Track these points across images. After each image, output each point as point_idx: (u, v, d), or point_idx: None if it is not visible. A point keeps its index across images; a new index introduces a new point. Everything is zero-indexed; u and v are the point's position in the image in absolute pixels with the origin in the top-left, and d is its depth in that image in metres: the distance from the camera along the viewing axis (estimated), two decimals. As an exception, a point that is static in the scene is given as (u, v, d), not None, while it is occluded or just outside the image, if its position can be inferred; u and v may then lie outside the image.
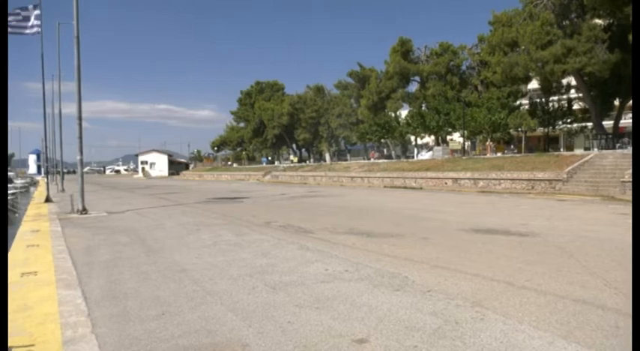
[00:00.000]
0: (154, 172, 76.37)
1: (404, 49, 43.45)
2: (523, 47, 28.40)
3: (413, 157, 44.30)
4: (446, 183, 25.50)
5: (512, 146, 40.80)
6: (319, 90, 60.97)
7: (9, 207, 24.80)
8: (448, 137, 44.65)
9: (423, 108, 42.95)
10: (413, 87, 46.49)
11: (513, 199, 17.22)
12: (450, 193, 20.98)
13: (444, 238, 8.13)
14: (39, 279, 5.50)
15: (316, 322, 3.82)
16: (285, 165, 57.00)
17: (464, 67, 43.06)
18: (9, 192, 30.75)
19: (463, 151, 37.71)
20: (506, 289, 4.74)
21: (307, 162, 60.73)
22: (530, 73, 29.86)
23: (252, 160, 74.44)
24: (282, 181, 41.35)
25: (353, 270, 5.71)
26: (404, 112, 46.24)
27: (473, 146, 44.17)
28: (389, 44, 45.07)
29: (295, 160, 65.16)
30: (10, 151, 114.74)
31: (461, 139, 40.27)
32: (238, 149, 77.89)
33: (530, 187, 20.90)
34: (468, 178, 24.28)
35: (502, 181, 22.47)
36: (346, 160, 54.03)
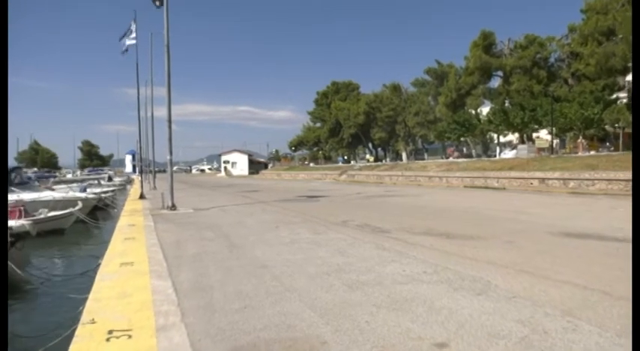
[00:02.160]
0: (235, 171, 79.76)
1: (486, 43, 41.64)
2: (621, 36, 26.04)
3: (495, 155, 42.30)
4: (531, 183, 24.05)
5: (607, 144, 37.56)
6: (396, 88, 60.18)
7: (109, 203, 27.20)
8: (534, 135, 42.08)
9: (506, 104, 40.86)
10: (495, 82, 44.42)
11: (608, 201, 15.84)
12: (536, 194, 19.77)
13: (530, 242, 7.68)
14: (135, 269, 5.97)
15: (394, 324, 3.78)
16: (361, 164, 56.95)
17: (552, 60, 40.39)
18: (109, 189, 33.72)
19: (551, 149, 35.32)
20: (601, 299, 4.38)
21: (383, 161, 60.23)
22: (629, 64, 27.34)
23: (328, 159, 75.23)
24: (358, 180, 41.35)
25: (431, 272, 5.58)
26: (485, 109, 44.30)
27: (562, 144, 41.26)
28: (469, 39, 43.33)
29: (371, 159, 64.86)
30: (109, 152, 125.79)
31: (548, 137, 37.78)
32: (315, 149, 79.13)
33: (628, 189, 19.10)
34: (557, 178, 22.72)
35: (596, 181, 20.76)
36: (423, 159, 52.80)
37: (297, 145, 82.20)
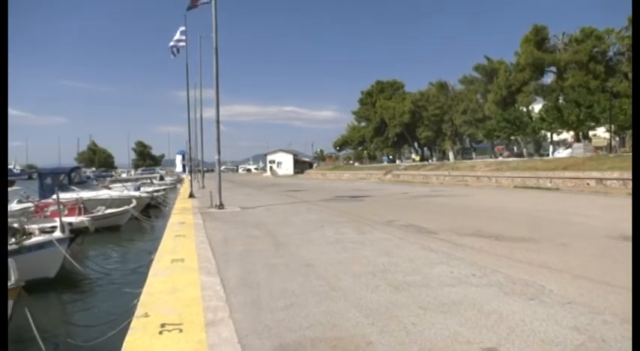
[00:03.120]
0: (280, 171, 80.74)
1: (538, 38, 40.05)
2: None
3: (547, 155, 40.59)
4: (588, 184, 22.89)
5: (673, 142, 35.13)
6: (442, 86, 58.94)
7: (160, 201, 28.25)
8: (590, 133, 40.01)
9: (560, 101, 39.08)
10: (548, 79, 42.63)
11: (675, 203, 14.81)
12: (593, 195, 18.81)
13: (587, 245, 7.31)
14: (185, 265, 6.17)
15: (441, 326, 3.71)
16: (406, 164, 56.22)
17: (610, 54, 38.26)
18: (161, 188, 35.00)
19: (610, 147, 33.47)
20: (667, 307, 4.10)
21: (429, 161, 59.18)
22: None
23: (373, 159, 74.78)
24: (404, 180, 40.84)
25: (480, 274, 5.43)
26: (537, 107, 42.56)
27: (621, 142, 39.03)
28: (519, 34, 41.76)
29: (417, 158, 63.93)
30: (160, 153, 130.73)
31: (606, 135, 35.83)
32: (359, 148, 78.90)
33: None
34: (616, 179, 21.49)
35: (660, 182, 19.46)
36: (471, 158, 51.45)
37: (342, 144, 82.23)
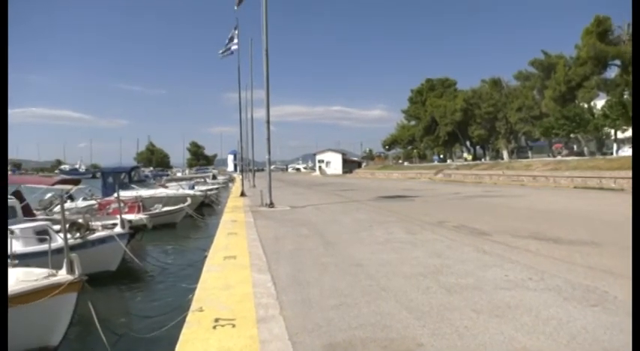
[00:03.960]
0: (329, 170, 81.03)
1: (600, 30, 37.83)
2: None
3: (611, 153, 38.29)
4: (657, 184, 21.36)
5: None
6: (496, 83, 56.87)
7: (213, 200, 29.11)
8: (660, 129, 37.34)
9: (625, 96, 36.74)
10: (611, 73, 40.15)
11: None
12: (662, 197, 17.53)
13: (656, 250, 6.83)
14: (237, 263, 6.33)
15: (496, 331, 3.59)
16: (458, 163, 54.84)
17: (683, 44, 35.49)
18: (213, 187, 36.06)
19: (682, 145, 31.11)
20: None
21: (482, 160, 57.40)
22: None
23: (423, 158, 73.49)
24: (455, 179, 39.86)
25: (537, 278, 5.21)
26: (599, 103, 40.24)
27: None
28: (580, 26, 39.62)
29: (469, 157, 62.15)
30: (213, 152, 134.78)
31: (679, 132, 33.29)
32: (409, 147, 77.69)
33: None
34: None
35: None
36: (527, 157, 49.35)
37: (391, 143, 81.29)
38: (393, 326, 3.75)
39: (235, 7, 15.38)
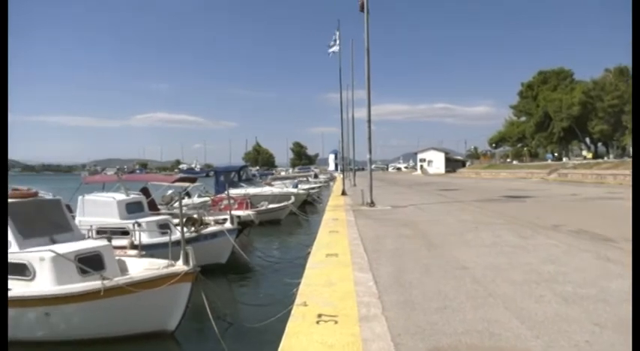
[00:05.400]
0: (431, 170, 78.87)
1: None
2: None
3: None
4: None
5: None
6: (622, 72, 50.92)
7: (315, 198, 29.87)
8: None
9: None
10: None
11: None
12: None
13: None
14: (339, 260, 6.43)
15: (623, 349, 3.23)
16: (575, 161, 50.15)
17: None
18: (316, 186, 37.02)
19: None
20: None
21: (605, 158, 51.81)
22: None
23: (534, 156, 68.30)
24: (572, 179, 36.51)
25: (676, 293, 4.58)
26: None
27: None
28: None
29: (589, 155, 56.50)
30: (315, 152, 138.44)
31: None
32: (519, 145, 72.79)
33: None
34: None
35: None
36: (662, 155, 43.56)
37: (498, 141, 76.72)
38: (502, 335, 3.54)
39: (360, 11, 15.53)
